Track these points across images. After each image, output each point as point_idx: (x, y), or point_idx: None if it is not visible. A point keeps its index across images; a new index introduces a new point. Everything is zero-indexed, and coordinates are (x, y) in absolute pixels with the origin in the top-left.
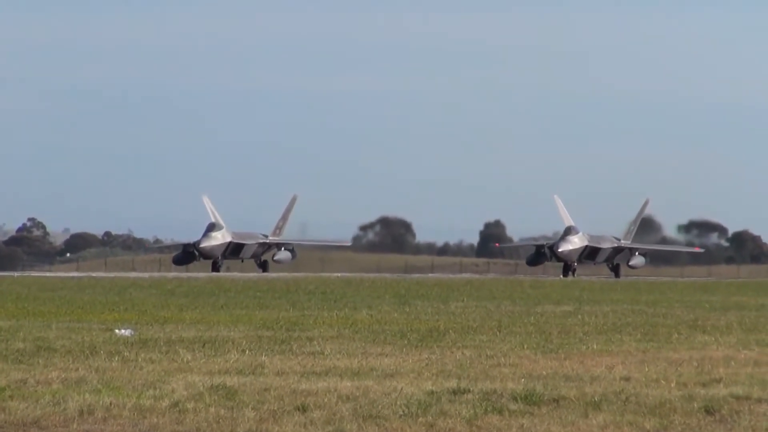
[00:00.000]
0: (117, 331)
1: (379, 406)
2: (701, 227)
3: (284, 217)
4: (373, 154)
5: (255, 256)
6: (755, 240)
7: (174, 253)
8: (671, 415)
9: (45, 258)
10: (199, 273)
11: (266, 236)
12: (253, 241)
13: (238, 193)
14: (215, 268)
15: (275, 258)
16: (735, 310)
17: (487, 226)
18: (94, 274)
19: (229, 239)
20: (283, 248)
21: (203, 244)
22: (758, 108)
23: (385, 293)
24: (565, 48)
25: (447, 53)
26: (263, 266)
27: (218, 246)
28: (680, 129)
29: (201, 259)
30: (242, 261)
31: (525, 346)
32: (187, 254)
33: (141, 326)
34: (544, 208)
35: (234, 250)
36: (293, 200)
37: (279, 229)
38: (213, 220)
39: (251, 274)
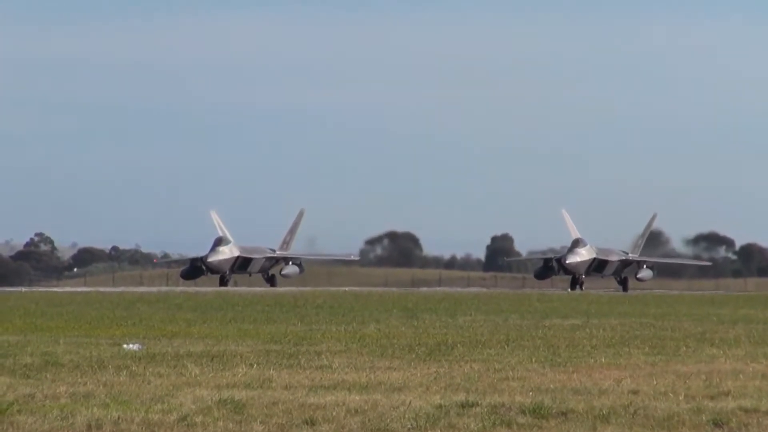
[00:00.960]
0: (125, 345)
1: (388, 420)
2: (709, 240)
3: (291, 231)
4: (381, 168)
5: (262, 271)
6: (763, 253)
7: (182, 268)
8: (680, 428)
9: (52, 273)
10: (206, 287)
11: (274, 250)
12: (261, 256)
13: (246, 208)
14: (223, 282)
15: (283, 272)
16: (743, 323)
17: (495, 239)
18: (101, 289)
19: (236, 254)
20: (290, 262)
21: (211, 259)
22: (764, 122)
23: (393, 307)
24: (571, 63)
25: (451, 67)
26: (271, 280)
27: (226, 260)
28: (687, 143)
29: (209, 273)
30: (250, 275)
31: (533, 360)
32: (195, 269)
33: (149, 341)
34: (551, 222)
35: (242, 264)
36: (300, 214)
37: (286, 243)
38: (221, 234)
39: (259, 289)
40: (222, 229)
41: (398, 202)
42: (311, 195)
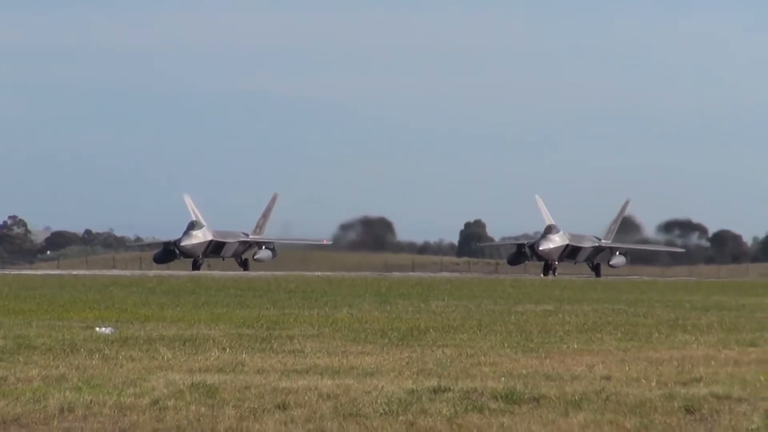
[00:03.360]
0: (97, 329)
1: (360, 405)
2: (682, 227)
3: (265, 216)
4: (355, 153)
5: (236, 255)
6: (736, 239)
7: (155, 252)
8: (651, 414)
9: (26, 256)
10: (179, 271)
11: (247, 235)
12: (234, 240)
13: (220, 192)
14: (196, 266)
15: (256, 257)
16: (715, 309)
17: (468, 225)
18: (74, 272)
19: (209, 238)
20: (263, 247)
21: (184, 243)
22: (738, 108)
23: (366, 292)
24: (545, 48)
25: (429, 54)
26: (244, 265)
27: (199, 244)
28: (661, 129)
29: (181, 257)
30: (223, 259)
31: (505, 345)
32: (168, 252)
33: (121, 324)
34: (525, 208)
35: (215, 248)
36: (274, 198)
37: (260, 227)
38: (194, 218)
39: (231, 273)
40: (195, 213)
41: (372, 187)
42: (286, 180)
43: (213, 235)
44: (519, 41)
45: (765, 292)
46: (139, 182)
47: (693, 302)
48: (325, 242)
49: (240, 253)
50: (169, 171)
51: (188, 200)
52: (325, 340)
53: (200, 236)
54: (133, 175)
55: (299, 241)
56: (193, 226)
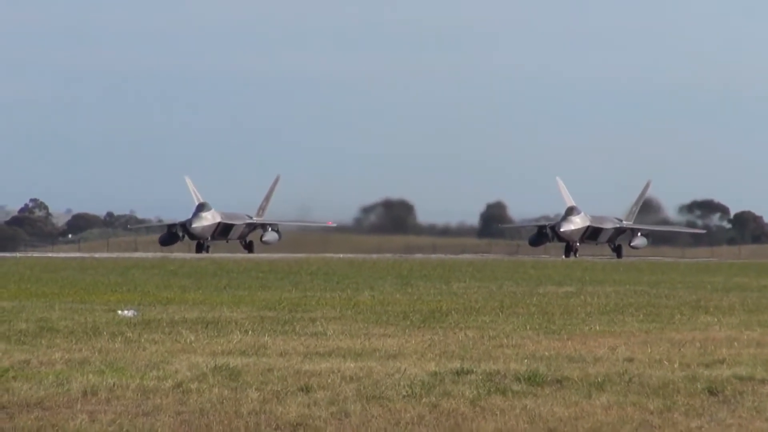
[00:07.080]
0: (120, 311)
1: (383, 387)
2: (703, 208)
3: (267, 198)
4: (376, 135)
5: (241, 237)
6: (757, 220)
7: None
8: (674, 395)
9: (47, 239)
10: (185, 254)
11: (251, 217)
12: (241, 222)
13: (235, 175)
14: (201, 248)
15: (263, 239)
16: (737, 290)
17: (489, 206)
18: (96, 255)
19: (218, 220)
20: (270, 229)
21: (195, 225)
22: (760, 88)
23: (388, 274)
24: (565, 29)
25: (446, 33)
26: (249, 247)
27: (208, 227)
28: (682, 109)
29: (185, 238)
30: (227, 242)
31: (528, 327)
32: (172, 235)
33: (144, 307)
34: (546, 189)
35: (222, 230)
36: (276, 181)
37: (263, 209)
38: (196, 200)
39: (253, 255)
40: (197, 195)
41: (393, 169)
42: (307, 162)
43: (221, 218)
44: (538, 21)
45: None
46: (161, 164)
47: (714, 283)
48: (329, 224)
49: (245, 236)
50: (191, 153)
51: (189, 182)
52: (348, 322)
53: (209, 218)
54: (155, 156)
55: (305, 222)
56: (202, 208)
